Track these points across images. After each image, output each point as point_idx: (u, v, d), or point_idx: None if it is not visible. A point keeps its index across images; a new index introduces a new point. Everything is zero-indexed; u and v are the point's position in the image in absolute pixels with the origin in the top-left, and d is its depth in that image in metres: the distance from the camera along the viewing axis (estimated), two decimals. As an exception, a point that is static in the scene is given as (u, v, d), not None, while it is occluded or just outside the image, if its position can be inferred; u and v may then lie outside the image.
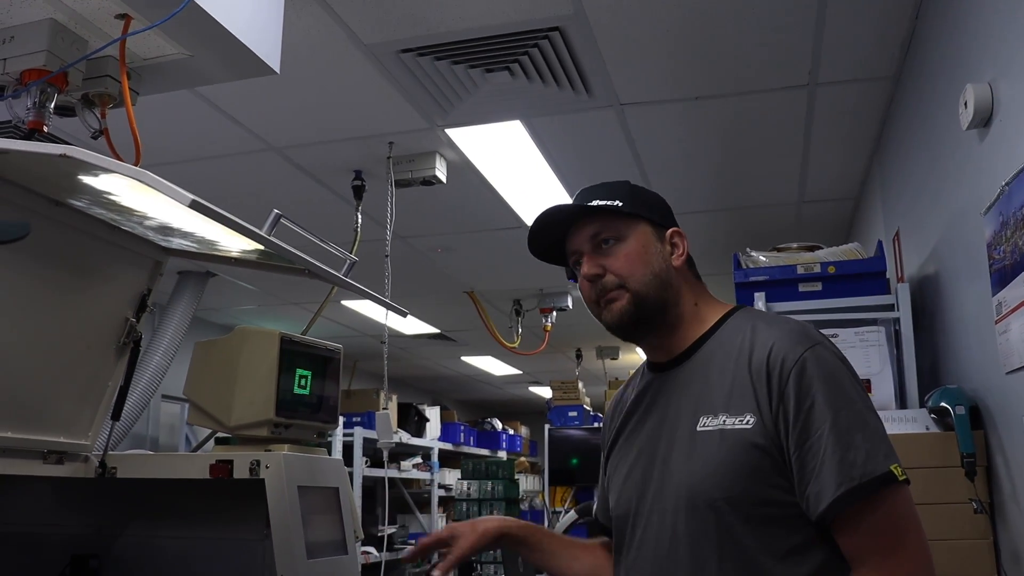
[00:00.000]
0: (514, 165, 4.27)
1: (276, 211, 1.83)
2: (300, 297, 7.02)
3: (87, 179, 2.02)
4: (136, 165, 2.17)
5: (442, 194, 4.60)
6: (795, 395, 1.44)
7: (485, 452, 10.81)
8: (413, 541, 8.64)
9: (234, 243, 2.31)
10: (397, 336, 8.46)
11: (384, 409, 3.82)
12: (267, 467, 2.45)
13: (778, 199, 4.77)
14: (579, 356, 9.32)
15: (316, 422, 2.72)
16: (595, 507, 1.91)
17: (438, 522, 9.21)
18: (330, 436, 6.75)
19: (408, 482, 9.62)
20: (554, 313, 7.02)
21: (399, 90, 3.53)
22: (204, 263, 3.72)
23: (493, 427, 11.35)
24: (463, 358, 9.97)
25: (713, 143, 4.06)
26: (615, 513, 1.67)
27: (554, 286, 6.82)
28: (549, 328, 7.06)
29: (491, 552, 9.31)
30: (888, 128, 3.74)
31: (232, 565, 2.75)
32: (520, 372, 10.98)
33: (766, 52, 3.23)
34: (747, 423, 1.46)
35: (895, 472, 1.39)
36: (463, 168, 4.32)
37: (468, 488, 7.76)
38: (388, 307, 2.52)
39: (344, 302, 7.16)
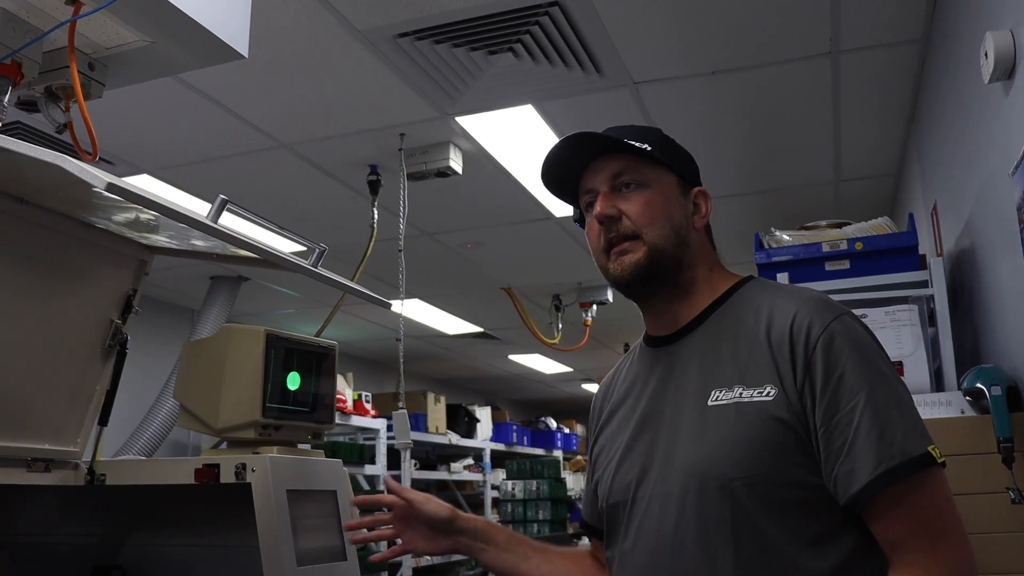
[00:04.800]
0: (532, 153, 4.12)
1: (222, 196, 1.72)
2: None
3: (37, 174, 1.93)
4: (94, 158, 2.08)
5: (464, 187, 4.49)
6: (823, 365, 1.29)
7: (540, 452, 10.67)
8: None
9: (206, 237, 2.21)
10: (440, 336, 8.37)
11: (400, 408, 3.70)
12: (253, 470, 2.34)
13: (813, 179, 4.55)
14: (627, 350, 9.11)
15: (309, 423, 2.60)
16: (582, 509, 1.75)
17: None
18: (327, 436, 6.63)
19: (461, 484, 9.54)
20: (594, 307, 6.85)
21: (403, 78, 3.41)
22: (210, 263, 3.65)
23: (547, 426, 11.21)
24: (510, 357, 9.83)
25: (737, 120, 3.88)
26: (609, 502, 1.50)
27: (593, 279, 6.64)
28: (589, 323, 6.89)
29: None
30: (921, 95, 3.52)
31: (234, 572, 2.66)
32: (571, 369, 10.82)
33: (780, 19, 3.04)
34: (767, 395, 1.32)
35: (933, 454, 1.25)
36: (480, 158, 4.19)
37: (513, 488, 7.63)
38: (364, 297, 2.40)
39: (385, 303, 7.07)
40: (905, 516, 1.25)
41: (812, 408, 1.30)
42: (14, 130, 3.61)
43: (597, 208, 1.47)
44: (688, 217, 1.50)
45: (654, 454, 1.43)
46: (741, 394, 1.34)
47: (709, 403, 1.37)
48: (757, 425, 1.31)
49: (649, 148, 1.47)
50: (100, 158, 4.02)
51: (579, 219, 1.60)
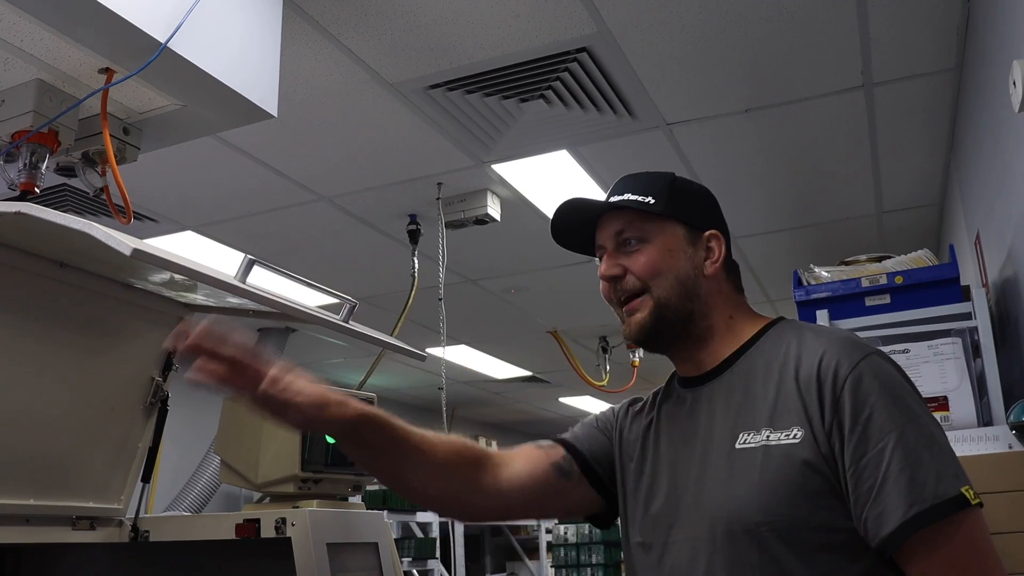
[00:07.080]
0: (569, 197, 4.12)
1: (249, 256, 1.74)
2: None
3: (72, 239, 1.97)
4: (127, 220, 2.13)
5: (504, 233, 4.51)
6: (851, 406, 1.27)
7: (595, 494, 10.56)
8: (523, 589, 8.52)
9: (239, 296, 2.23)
10: (489, 381, 8.36)
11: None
12: (293, 524, 2.35)
13: (855, 211, 4.50)
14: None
15: (349, 475, 2.61)
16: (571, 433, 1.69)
17: (547, 569, 9.02)
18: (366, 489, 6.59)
19: (515, 529, 9.49)
20: (641, 348, 6.79)
21: (437, 128, 3.45)
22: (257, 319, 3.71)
23: (601, 468, 11.09)
24: (561, 399, 9.79)
25: (774, 157, 3.85)
26: (634, 541, 1.49)
27: (639, 320, 6.60)
28: (637, 363, 6.85)
29: None
30: (959, 124, 3.47)
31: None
32: (623, 411, 10.71)
33: (809, 55, 3.02)
34: (794, 437, 1.29)
35: (967, 495, 1.21)
36: (518, 204, 4.21)
37: (565, 532, 7.55)
38: (396, 350, 2.41)
39: (431, 350, 7.10)
40: (940, 560, 1.21)
41: (840, 450, 1.27)
42: (60, 194, 3.71)
43: (601, 269, 1.50)
44: (697, 265, 1.47)
45: (682, 498, 1.41)
46: (768, 437, 1.32)
47: (737, 446, 1.35)
48: (784, 469, 1.28)
49: (652, 201, 1.47)
50: (145, 217, 4.12)
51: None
